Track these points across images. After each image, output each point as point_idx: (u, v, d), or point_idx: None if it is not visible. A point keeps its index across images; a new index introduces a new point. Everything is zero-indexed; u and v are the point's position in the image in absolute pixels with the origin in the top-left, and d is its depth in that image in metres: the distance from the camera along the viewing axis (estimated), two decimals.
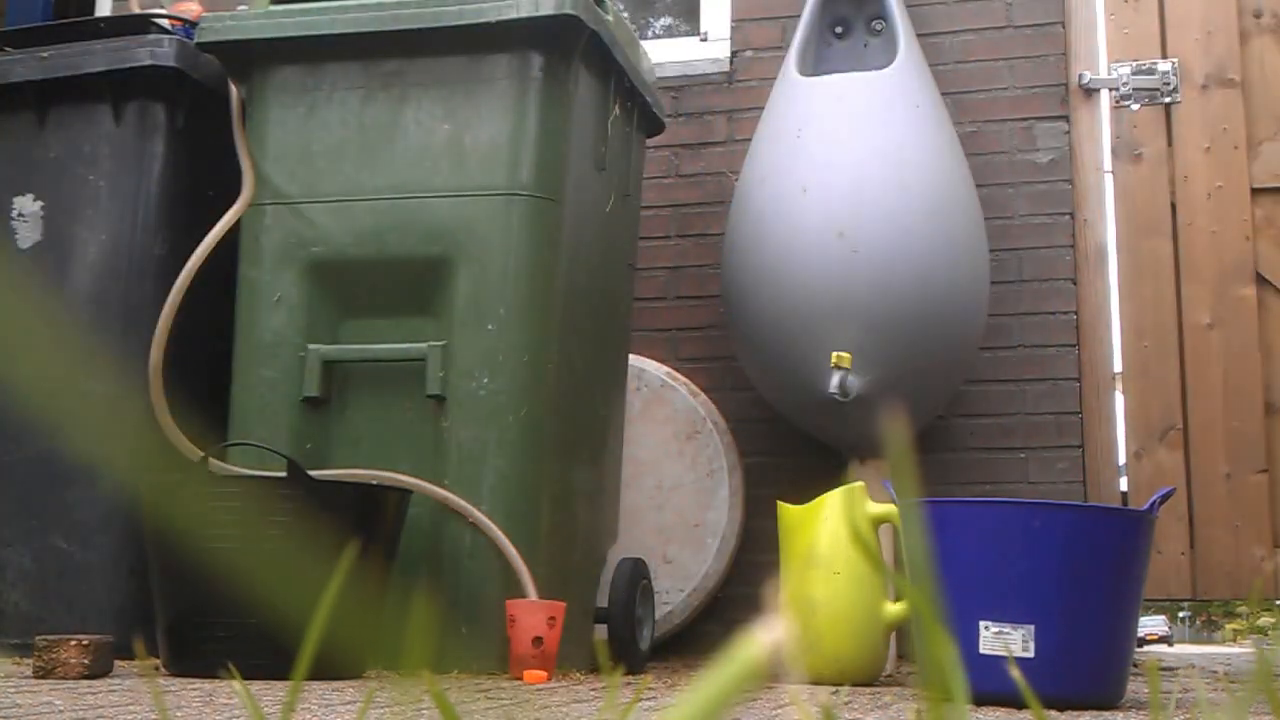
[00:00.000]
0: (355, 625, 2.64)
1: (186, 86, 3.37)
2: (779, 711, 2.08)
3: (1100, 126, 4.28)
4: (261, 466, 2.88)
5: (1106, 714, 2.36)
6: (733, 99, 4.44)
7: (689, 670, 3.43)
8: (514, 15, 3.06)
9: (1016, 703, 2.38)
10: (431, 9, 3.12)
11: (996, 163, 4.17)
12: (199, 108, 3.41)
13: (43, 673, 2.49)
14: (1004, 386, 4.08)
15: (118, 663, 2.79)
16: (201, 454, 2.88)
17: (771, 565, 3.92)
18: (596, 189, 3.33)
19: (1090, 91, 4.27)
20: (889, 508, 3.05)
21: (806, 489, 3.74)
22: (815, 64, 4.02)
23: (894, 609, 3.03)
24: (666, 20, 4.83)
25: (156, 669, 2.72)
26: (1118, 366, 4.19)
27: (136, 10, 3.94)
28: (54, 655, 2.50)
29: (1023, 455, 4.03)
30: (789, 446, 4.13)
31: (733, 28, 4.50)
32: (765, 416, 4.12)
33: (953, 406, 4.04)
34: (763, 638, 0.39)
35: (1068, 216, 4.13)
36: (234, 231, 3.19)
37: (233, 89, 3.34)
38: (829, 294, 3.53)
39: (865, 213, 3.54)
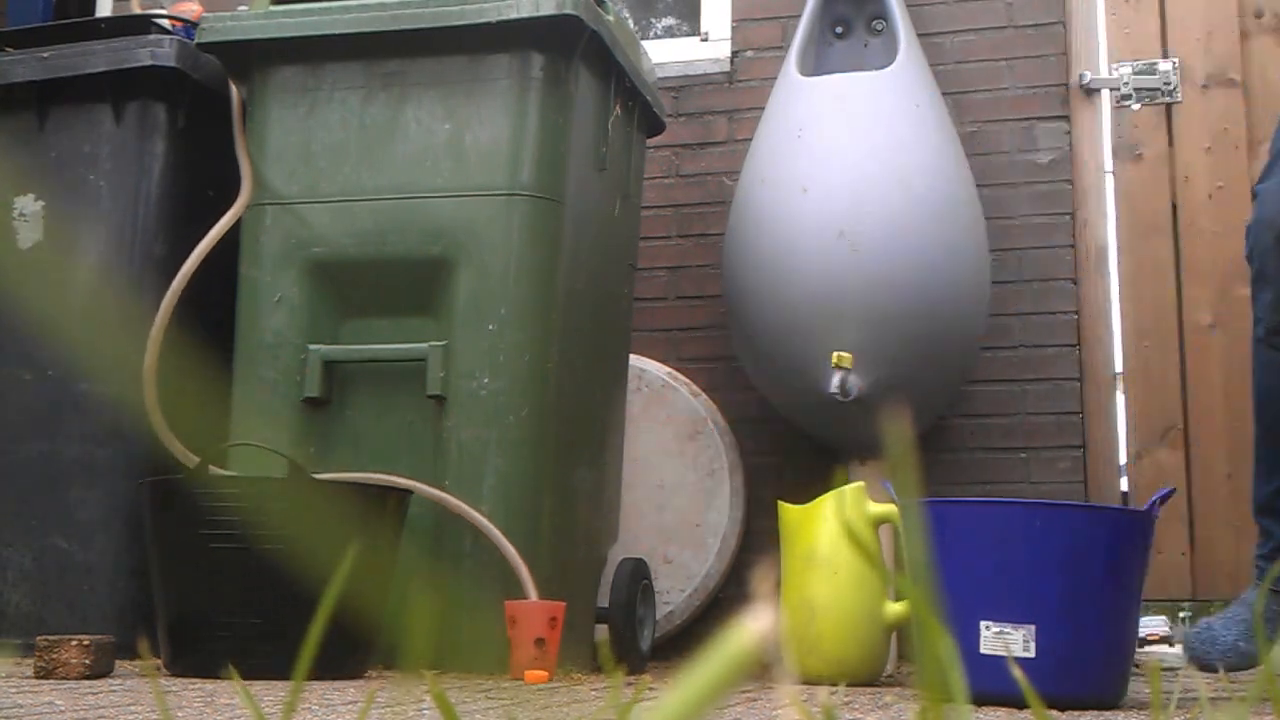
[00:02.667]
0: (356, 625, 2.63)
1: (187, 87, 3.38)
2: (779, 711, 2.07)
3: (1101, 126, 4.28)
4: (262, 467, 2.88)
5: (1108, 714, 2.36)
6: (733, 99, 4.43)
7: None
8: (514, 15, 3.05)
9: (1017, 703, 2.38)
10: (432, 9, 3.11)
11: (997, 163, 4.17)
12: (199, 108, 3.42)
13: (44, 673, 2.49)
14: (1005, 387, 4.08)
15: (119, 663, 2.79)
16: (196, 459, 2.88)
17: (772, 565, 3.92)
18: (597, 189, 3.33)
19: (1091, 91, 4.27)
20: (889, 508, 3.04)
21: (807, 489, 3.74)
22: (816, 64, 4.02)
23: (894, 609, 3.03)
24: (667, 20, 4.82)
25: (157, 669, 2.72)
26: (1119, 367, 4.19)
27: (137, 10, 3.94)
28: (55, 655, 2.50)
29: (1023, 455, 4.03)
30: (790, 447, 4.12)
31: (733, 28, 4.50)
32: (766, 417, 4.11)
33: (953, 407, 4.04)
34: (752, 628, 0.39)
35: (1068, 217, 4.12)
36: (234, 232, 3.19)
37: (233, 89, 3.34)
38: (829, 294, 3.53)
39: (866, 212, 3.53)
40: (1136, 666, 3.58)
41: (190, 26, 3.43)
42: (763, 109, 3.94)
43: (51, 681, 2.43)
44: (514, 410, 2.99)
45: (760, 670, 3.32)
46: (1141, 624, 4.53)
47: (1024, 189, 4.15)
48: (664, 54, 4.47)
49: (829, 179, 3.59)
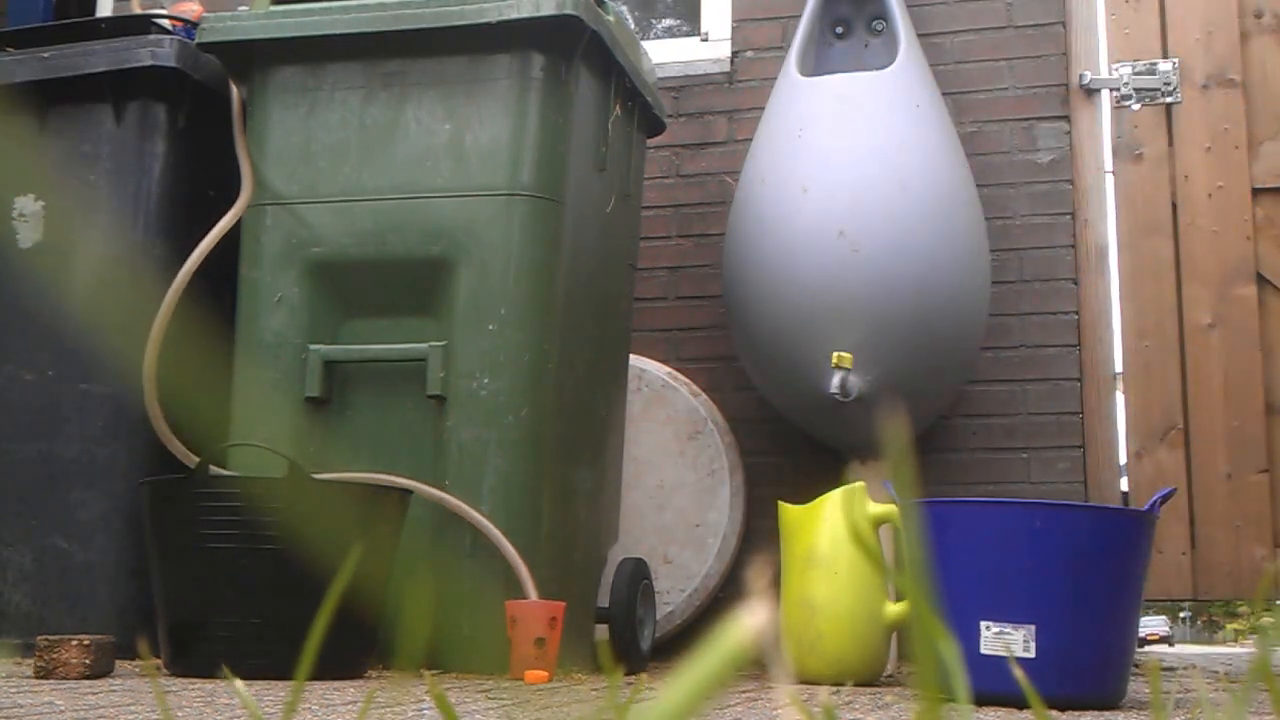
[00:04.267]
0: (356, 625, 2.63)
1: (187, 87, 3.37)
2: (779, 711, 2.07)
3: (1101, 126, 4.27)
4: (262, 467, 2.87)
5: (1107, 714, 2.35)
6: (733, 99, 4.42)
7: None
8: (515, 15, 3.05)
9: (1018, 703, 2.37)
10: (432, 9, 3.11)
11: (997, 163, 4.16)
12: (200, 108, 3.41)
13: (44, 673, 2.48)
14: (1005, 387, 4.07)
15: (119, 663, 2.78)
16: (196, 459, 2.87)
17: (769, 561, 3.91)
18: (597, 189, 3.32)
19: (1091, 91, 4.26)
20: (889, 508, 3.04)
21: (807, 489, 3.73)
22: (816, 64, 4.01)
23: (895, 609, 3.02)
24: (667, 20, 4.81)
25: (158, 669, 2.71)
26: (1119, 366, 4.18)
27: (137, 10, 3.93)
28: (55, 655, 2.49)
29: (1024, 455, 4.02)
30: (790, 447, 4.12)
31: (733, 28, 4.48)
32: (766, 416, 4.11)
33: (954, 407, 4.03)
34: (748, 624, 0.39)
35: (1068, 217, 4.12)
36: (235, 232, 3.18)
37: (233, 89, 3.33)
38: (830, 294, 3.53)
39: (866, 212, 3.53)
40: (1136, 666, 3.58)
41: (190, 26, 3.42)
42: (763, 109, 3.94)
43: (51, 681, 2.42)
44: (514, 410, 2.98)
45: (759, 669, 3.30)
46: (1141, 624, 4.51)
47: (1024, 189, 4.15)
48: (664, 54, 4.47)
49: (829, 179, 3.59)
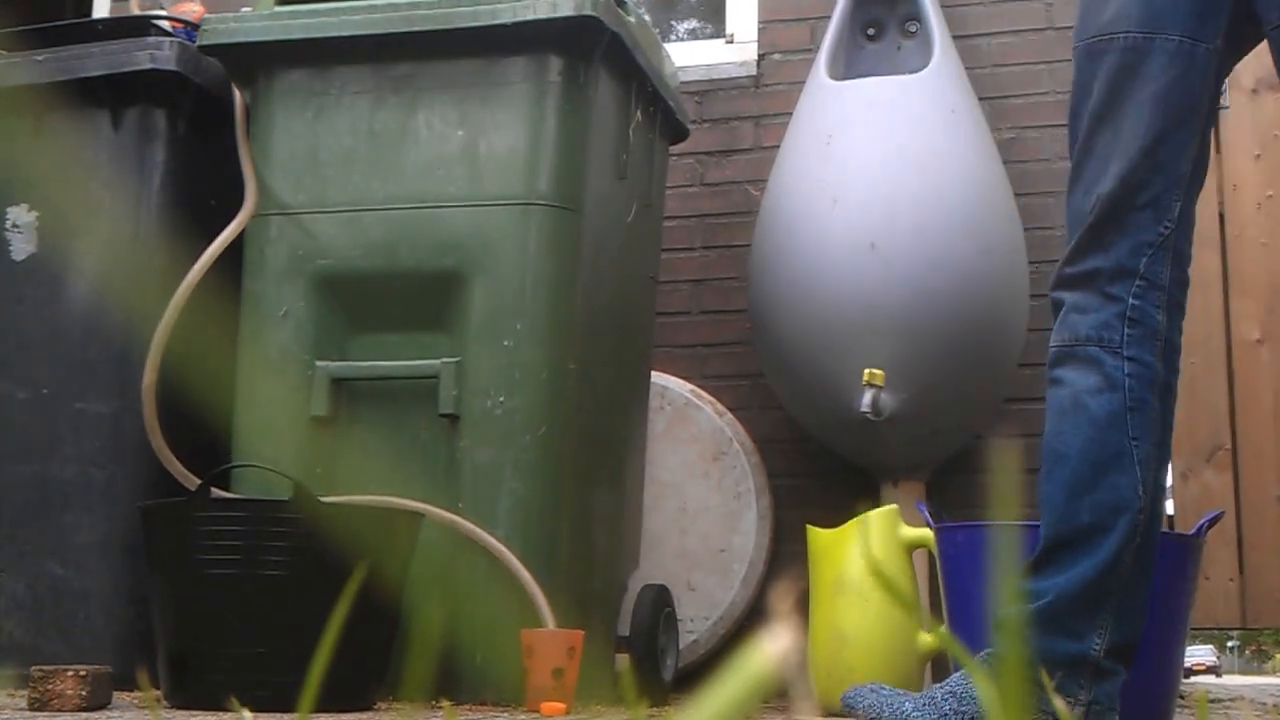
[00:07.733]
0: (364, 655, 2.61)
1: (188, 91, 3.35)
2: None
3: None
4: (267, 489, 2.85)
5: None
6: (760, 104, 4.41)
7: None
8: (531, 16, 3.02)
9: None
10: (445, 10, 3.09)
11: (1036, 170, 4.12)
12: (201, 113, 3.39)
13: (38, 704, 2.46)
14: (1044, 405, 3.98)
15: (116, 694, 2.80)
16: (197, 481, 2.86)
17: (793, 584, 3.85)
18: (617, 198, 3.30)
19: None
20: (924, 532, 3.03)
21: (837, 512, 3.66)
22: (846, 67, 4.00)
23: (928, 638, 3.01)
24: (691, 22, 4.83)
25: (157, 700, 2.70)
26: None
27: (136, 11, 3.96)
28: (50, 686, 2.46)
29: None
30: (819, 468, 4.08)
31: (760, 29, 4.47)
32: (794, 437, 4.08)
33: (993, 425, 3.97)
34: (770, 650, 0.39)
35: None
36: (238, 243, 3.17)
37: (236, 94, 3.32)
38: (861, 308, 3.50)
39: (899, 223, 3.50)
40: (1182, 698, 3.50)
41: (191, 28, 3.42)
42: (790, 114, 3.92)
43: (46, 714, 2.40)
44: (530, 430, 2.95)
45: (783, 700, 3.25)
46: (1188, 654, 4.44)
47: (1064, 198, 4.06)
48: (687, 57, 4.46)
49: (860, 188, 3.57)
